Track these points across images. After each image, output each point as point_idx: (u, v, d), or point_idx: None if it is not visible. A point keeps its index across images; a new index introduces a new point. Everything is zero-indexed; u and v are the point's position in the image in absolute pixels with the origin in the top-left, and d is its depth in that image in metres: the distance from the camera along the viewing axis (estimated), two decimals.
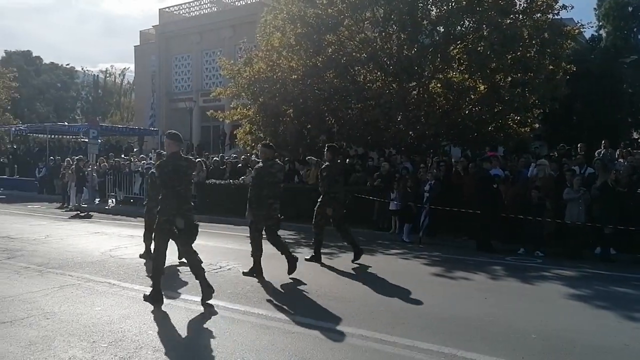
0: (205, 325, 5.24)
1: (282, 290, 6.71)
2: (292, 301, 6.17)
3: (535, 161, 11.77)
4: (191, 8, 32.93)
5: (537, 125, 15.55)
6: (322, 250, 9.00)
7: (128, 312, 5.64)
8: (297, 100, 15.04)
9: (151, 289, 6.00)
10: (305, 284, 7.03)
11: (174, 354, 4.47)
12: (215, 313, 5.65)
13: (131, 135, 29.31)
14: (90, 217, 15.44)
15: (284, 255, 7.53)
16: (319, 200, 8.78)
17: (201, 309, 5.80)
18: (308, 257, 8.74)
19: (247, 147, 17.30)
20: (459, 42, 14.31)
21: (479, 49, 13.66)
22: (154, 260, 6.10)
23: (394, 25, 14.41)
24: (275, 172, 7.46)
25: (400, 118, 14.39)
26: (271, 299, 6.29)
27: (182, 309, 5.80)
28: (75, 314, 5.54)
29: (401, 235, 11.64)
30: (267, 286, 6.90)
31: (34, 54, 58.84)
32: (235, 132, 18.61)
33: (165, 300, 6.03)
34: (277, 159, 7.99)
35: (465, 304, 6.37)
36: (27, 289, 6.55)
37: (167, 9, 34.40)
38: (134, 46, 36.32)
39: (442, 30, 14.30)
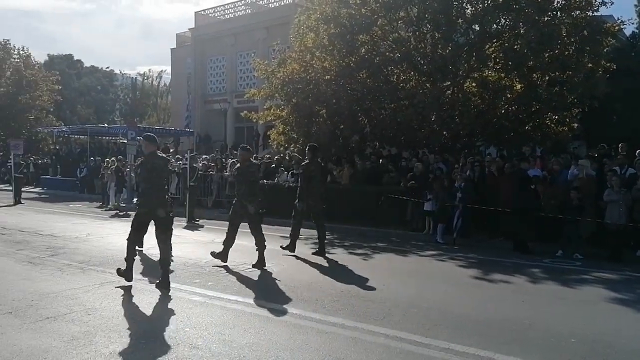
0: (240, 324, 5.31)
1: (315, 291, 6.73)
2: (325, 302, 6.18)
3: (574, 162, 11.48)
4: (226, 11, 33.34)
5: (575, 125, 15.17)
6: (356, 251, 9.05)
7: (165, 310, 5.77)
8: (330, 101, 15.07)
9: (124, 268, 6.82)
10: (339, 285, 7.05)
11: (209, 351, 4.54)
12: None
13: (167, 136, 29.91)
14: (129, 216, 15.77)
15: (257, 249, 8.27)
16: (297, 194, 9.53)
17: (236, 307, 5.89)
18: (314, 252, 9.37)
19: (281, 147, 17.42)
20: (494, 41, 14.09)
21: (515, 47, 13.42)
22: (128, 245, 6.80)
23: (428, 25, 14.29)
24: (254, 172, 8.43)
25: (434, 118, 14.26)
26: (305, 299, 6.32)
27: (218, 307, 5.90)
28: (115, 310, 5.70)
29: (435, 236, 11.53)
30: (300, 286, 6.95)
31: (75, 58, 60.72)
32: (268, 133, 18.77)
33: (201, 298, 6.20)
34: (253, 160, 9.25)
35: (502, 306, 6.28)
36: (69, 285, 6.77)
37: (202, 12, 34.91)
38: (171, 49, 36.98)
39: (478, 28, 14.11)
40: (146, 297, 6.30)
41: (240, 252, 9.52)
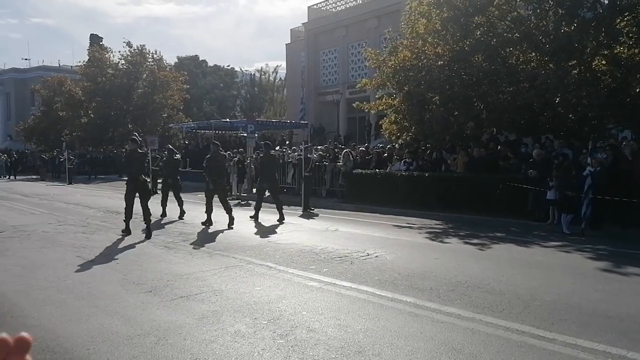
0: (354, 309, 5.43)
1: (429, 280, 6.66)
2: (440, 291, 6.10)
3: None
4: (337, 3, 33.76)
5: None
6: (472, 241, 8.88)
7: (284, 293, 6.06)
8: (443, 87, 14.69)
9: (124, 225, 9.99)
10: (454, 275, 6.91)
11: (325, 334, 4.71)
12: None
13: (283, 129, 31.08)
14: (250, 205, 16.69)
15: (226, 213, 11.30)
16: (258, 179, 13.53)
17: (350, 293, 6.02)
18: (251, 215, 12.44)
19: (393, 136, 17.33)
20: (626, 14, 12.79)
21: None
22: (125, 210, 10.14)
23: (550, 1, 13.35)
24: (220, 159, 12.07)
25: (558, 100, 13.31)
26: (419, 287, 6.29)
27: (333, 293, 6.07)
28: (239, 292, 6.11)
29: (560, 226, 10.82)
30: (414, 275, 6.92)
31: (200, 58, 65.00)
32: (380, 123, 18.76)
33: (317, 284, 6.44)
34: (221, 151, 12.89)
35: (636, 301, 5.76)
36: (199, 268, 7.36)
37: (314, 6, 35.63)
38: (285, 44, 38.19)
39: (607, 1, 12.91)
40: (266, 281, 6.66)
41: (353, 240, 9.70)
